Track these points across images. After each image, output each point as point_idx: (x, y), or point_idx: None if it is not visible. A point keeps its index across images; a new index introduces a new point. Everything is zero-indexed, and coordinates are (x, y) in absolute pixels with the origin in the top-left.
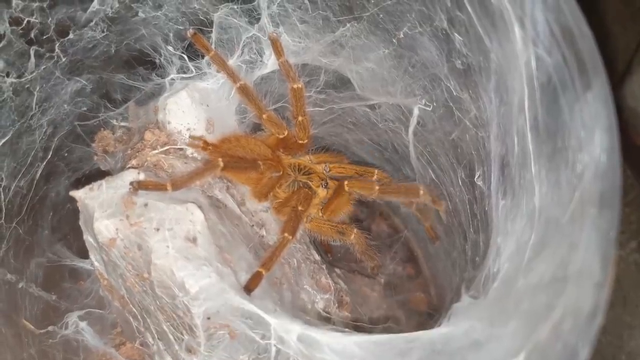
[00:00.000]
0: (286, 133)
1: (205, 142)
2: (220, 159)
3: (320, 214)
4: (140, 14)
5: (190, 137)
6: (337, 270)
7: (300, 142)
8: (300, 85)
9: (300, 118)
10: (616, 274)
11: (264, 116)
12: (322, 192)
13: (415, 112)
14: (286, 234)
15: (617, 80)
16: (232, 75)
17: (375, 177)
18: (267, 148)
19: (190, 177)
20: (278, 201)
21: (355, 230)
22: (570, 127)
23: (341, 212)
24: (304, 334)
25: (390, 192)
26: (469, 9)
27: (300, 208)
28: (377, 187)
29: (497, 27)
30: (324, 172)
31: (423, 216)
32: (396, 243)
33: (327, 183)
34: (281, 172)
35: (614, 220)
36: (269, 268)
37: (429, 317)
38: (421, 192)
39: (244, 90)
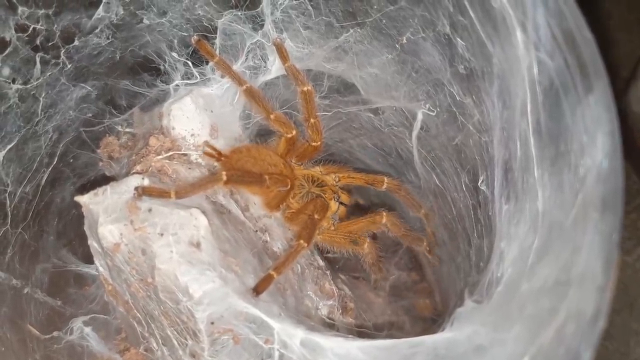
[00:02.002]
0: (294, 132)
1: (219, 153)
2: (223, 173)
3: (333, 228)
4: (145, 21)
5: (206, 145)
6: (342, 276)
7: (314, 144)
8: (309, 88)
9: (312, 120)
10: (623, 280)
11: (272, 116)
12: (334, 205)
13: (419, 116)
14: (302, 241)
15: (622, 86)
16: (237, 79)
17: (384, 185)
18: (278, 158)
19: (194, 188)
20: (290, 211)
21: (368, 239)
22: (572, 131)
23: (362, 233)
24: (307, 339)
25: (408, 238)
26: (471, 13)
27: (316, 216)
28: (403, 231)
29: (499, 32)
30: (335, 183)
31: (428, 222)
32: (401, 249)
33: (339, 196)
34: (289, 187)
35: (616, 223)
36: (280, 272)
37: (433, 322)
38: (424, 244)
39: (250, 93)
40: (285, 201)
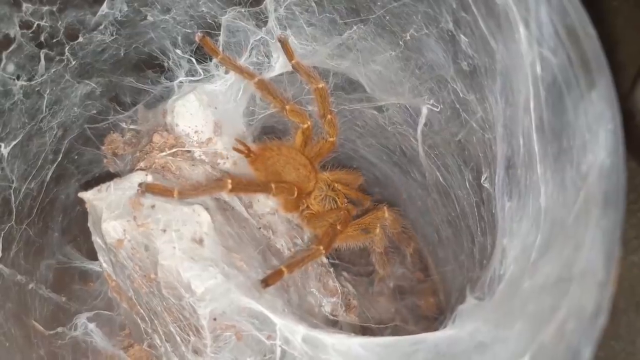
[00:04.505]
0: (309, 123)
1: (248, 149)
2: (229, 181)
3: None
4: (149, 18)
5: (236, 140)
6: (345, 274)
7: (330, 139)
8: (323, 85)
9: (328, 116)
10: (630, 280)
11: (287, 107)
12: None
13: (424, 111)
14: (321, 247)
15: (629, 85)
16: (246, 73)
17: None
18: (305, 159)
19: (197, 192)
20: (310, 212)
21: (379, 226)
22: (575, 127)
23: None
24: (309, 335)
25: (400, 236)
26: (474, 10)
27: (339, 227)
28: (399, 228)
29: (502, 28)
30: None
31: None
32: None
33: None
34: (295, 195)
35: (617, 220)
36: (291, 270)
37: (437, 321)
38: (412, 246)
39: (262, 85)
40: (306, 202)
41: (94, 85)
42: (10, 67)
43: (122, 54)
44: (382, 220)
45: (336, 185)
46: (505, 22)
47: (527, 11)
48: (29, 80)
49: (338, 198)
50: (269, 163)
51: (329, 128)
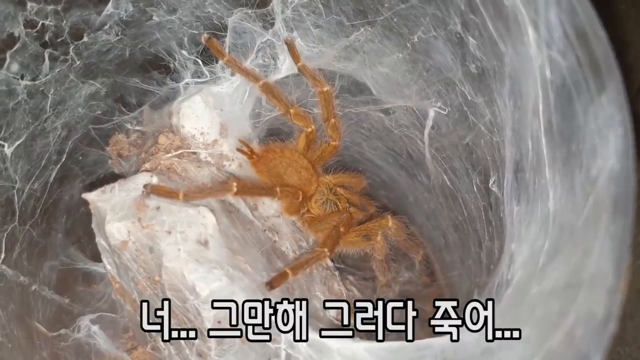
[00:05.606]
0: (313, 127)
1: (251, 150)
2: (234, 184)
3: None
4: (155, 18)
5: (240, 141)
6: (350, 277)
7: (333, 143)
8: (328, 88)
9: (332, 120)
10: (637, 285)
11: (292, 111)
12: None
13: (431, 114)
14: (325, 249)
15: (637, 87)
16: (252, 76)
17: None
18: (307, 162)
19: (203, 194)
20: (310, 215)
21: (380, 233)
22: (584, 131)
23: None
24: (314, 339)
25: (407, 243)
26: (483, 12)
27: (342, 229)
28: (404, 236)
29: (511, 30)
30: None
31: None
32: None
33: (350, 205)
34: (300, 199)
35: (627, 225)
36: (296, 273)
37: None
38: (420, 253)
39: (267, 88)
40: (307, 205)
41: (98, 85)
42: (15, 67)
43: (128, 55)
44: (385, 228)
45: (338, 189)
46: (514, 24)
47: (536, 13)
48: (33, 80)
49: (339, 202)
50: (271, 165)
51: (332, 132)
